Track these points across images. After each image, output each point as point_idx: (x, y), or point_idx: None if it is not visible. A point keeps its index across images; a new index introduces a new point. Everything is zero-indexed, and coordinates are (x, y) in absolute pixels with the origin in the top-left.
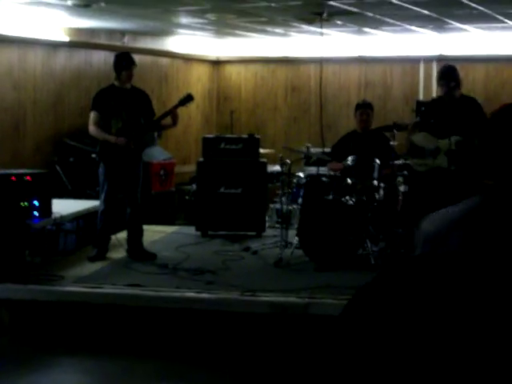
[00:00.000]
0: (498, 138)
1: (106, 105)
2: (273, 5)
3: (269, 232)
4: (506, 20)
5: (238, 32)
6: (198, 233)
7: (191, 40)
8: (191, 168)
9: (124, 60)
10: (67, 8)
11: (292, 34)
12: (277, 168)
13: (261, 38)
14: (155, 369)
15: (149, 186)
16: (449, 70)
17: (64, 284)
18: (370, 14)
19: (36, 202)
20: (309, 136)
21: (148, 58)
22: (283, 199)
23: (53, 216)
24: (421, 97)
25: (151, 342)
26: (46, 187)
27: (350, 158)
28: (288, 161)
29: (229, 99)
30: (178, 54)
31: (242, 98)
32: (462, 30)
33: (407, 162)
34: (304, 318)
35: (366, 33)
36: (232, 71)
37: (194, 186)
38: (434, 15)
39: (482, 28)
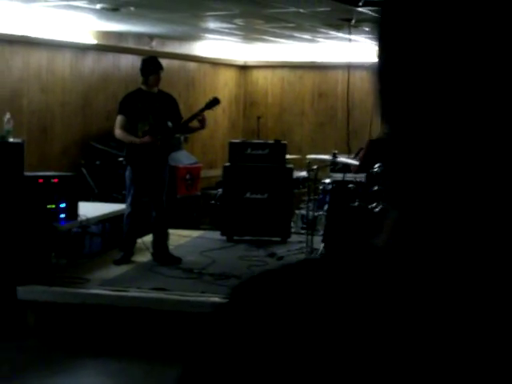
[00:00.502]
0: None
1: (132, 108)
2: (301, 10)
3: (294, 238)
4: None
5: (265, 37)
6: (224, 237)
7: (219, 45)
8: (217, 172)
9: (151, 64)
10: (96, 11)
11: (319, 39)
12: (303, 174)
13: (288, 43)
14: (178, 373)
15: (175, 190)
16: None
17: (89, 287)
18: None
19: (63, 205)
20: (335, 142)
21: (175, 63)
22: (309, 205)
23: (79, 219)
24: None
25: (175, 347)
26: (72, 190)
27: (376, 165)
28: (315, 167)
29: (255, 104)
30: (205, 58)
31: (269, 103)
32: None
33: None
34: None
35: None
36: (259, 76)
37: (220, 191)
38: None
39: None
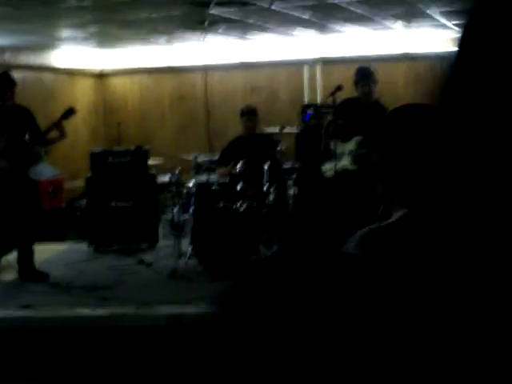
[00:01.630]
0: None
1: None
2: (154, 15)
3: (162, 243)
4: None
5: (121, 43)
6: (91, 248)
7: (74, 53)
8: (81, 183)
9: (5, 80)
10: None
11: (175, 42)
12: (167, 178)
13: (144, 48)
14: None
15: (38, 204)
16: (369, 71)
17: None
18: (251, 21)
19: None
20: (198, 144)
21: (31, 74)
22: (175, 210)
23: None
24: (306, 99)
25: (49, 365)
26: None
27: (239, 164)
28: (177, 171)
29: (115, 111)
30: (61, 69)
31: (129, 109)
32: (341, 32)
33: (295, 165)
34: (202, 327)
35: (249, 38)
36: (117, 83)
37: (85, 202)
38: (314, 19)
39: (360, 30)
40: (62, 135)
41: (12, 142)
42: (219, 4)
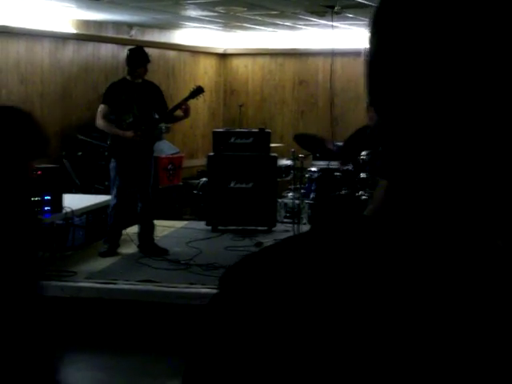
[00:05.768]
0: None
1: (117, 99)
2: None
3: (279, 227)
4: None
5: (246, 25)
6: (208, 227)
7: (198, 33)
8: (198, 162)
9: (139, 56)
10: (76, 0)
11: (300, 26)
12: (286, 162)
13: (269, 30)
14: (169, 366)
15: (157, 181)
16: None
17: (77, 280)
18: None
19: (47, 197)
20: (316, 130)
21: (155, 51)
22: (294, 194)
23: (64, 211)
24: None
25: (166, 339)
26: (56, 182)
27: (363, 153)
28: (301, 155)
29: (236, 93)
30: (184, 46)
31: (250, 91)
32: None
33: None
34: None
35: None
36: (239, 64)
37: (203, 181)
38: None
39: None
40: (186, 115)
41: (140, 117)
42: None
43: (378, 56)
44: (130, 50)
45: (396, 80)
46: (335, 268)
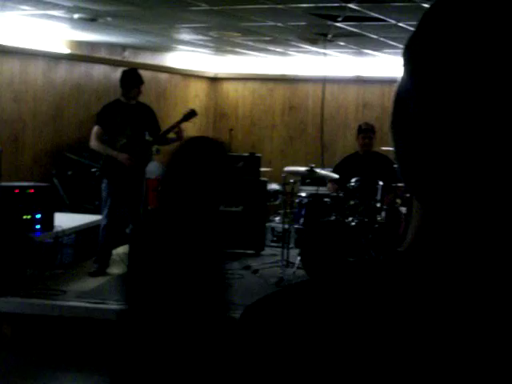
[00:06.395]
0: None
1: (110, 120)
2: (279, 24)
3: (267, 251)
4: None
5: (237, 49)
6: None
7: (190, 56)
8: None
9: (133, 78)
10: (72, 21)
11: (291, 53)
12: (274, 187)
13: (260, 56)
14: None
15: (146, 202)
16: None
17: (67, 299)
18: (374, 36)
19: (38, 215)
20: (305, 155)
21: (147, 73)
22: (281, 218)
23: (55, 229)
24: None
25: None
26: (48, 200)
27: (353, 180)
28: (292, 180)
29: (226, 116)
30: (176, 69)
31: (239, 115)
32: None
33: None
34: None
35: (365, 54)
36: (229, 88)
37: None
38: None
39: None
40: (180, 138)
41: (133, 139)
42: (347, 18)
43: (412, 91)
44: (124, 71)
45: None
46: (352, 315)
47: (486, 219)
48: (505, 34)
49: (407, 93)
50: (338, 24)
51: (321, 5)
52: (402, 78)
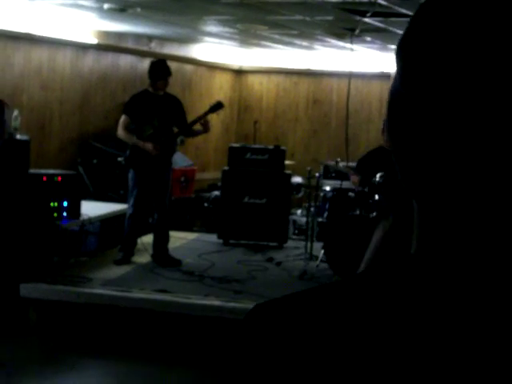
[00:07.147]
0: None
1: (138, 110)
2: (307, 18)
3: (289, 243)
4: None
5: (262, 42)
6: (220, 241)
7: (215, 48)
8: (209, 176)
9: (161, 70)
10: (101, 11)
11: (317, 47)
12: (297, 180)
13: (285, 49)
14: (180, 375)
15: (170, 192)
16: None
17: (92, 286)
18: (400, 32)
19: (65, 203)
20: (328, 149)
21: (173, 64)
22: (300, 212)
23: (81, 217)
24: None
25: (179, 349)
26: (75, 188)
27: (378, 175)
28: (317, 174)
29: (250, 109)
30: (202, 61)
31: (263, 108)
32: None
33: None
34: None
35: (390, 50)
36: (254, 81)
37: (213, 194)
38: None
39: None
40: (206, 129)
41: (160, 129)
42: (376, 14)
43: (405, 87)
44: (152, 62)
45: (422, 110)
46: (359, 322)
47: (486, 219)
48: (495, 33)
49: (400, 92)
50: (366, 19)
51: (350, 0)
52: (395, 78)
